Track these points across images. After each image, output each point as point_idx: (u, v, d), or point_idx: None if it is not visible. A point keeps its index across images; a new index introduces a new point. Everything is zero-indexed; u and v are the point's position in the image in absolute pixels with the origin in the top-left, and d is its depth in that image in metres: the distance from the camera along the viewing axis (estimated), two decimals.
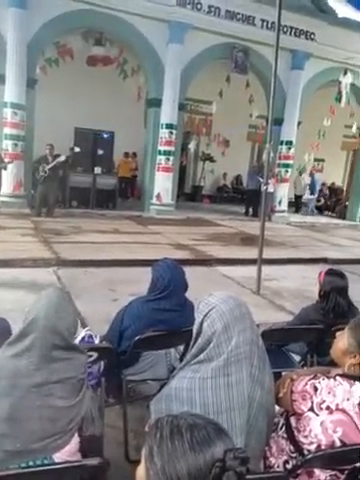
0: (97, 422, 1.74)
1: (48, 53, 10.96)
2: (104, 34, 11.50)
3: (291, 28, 11.91)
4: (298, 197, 15.78)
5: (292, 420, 1.66)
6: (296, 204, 15.73)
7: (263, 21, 11.61)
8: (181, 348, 2.60)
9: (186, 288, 2.61)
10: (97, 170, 11.37)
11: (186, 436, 0.89)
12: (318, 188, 15.96)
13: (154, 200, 11.68)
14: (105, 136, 11.88)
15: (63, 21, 9.90)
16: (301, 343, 2.99)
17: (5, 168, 9.18)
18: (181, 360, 2.37)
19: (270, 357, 1.67)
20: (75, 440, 1.66)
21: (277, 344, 2.92)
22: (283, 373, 2.02)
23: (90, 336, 2.52)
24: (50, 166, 9.65)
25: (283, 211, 13.32)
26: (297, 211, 15.54)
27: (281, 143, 12.88)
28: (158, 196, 11.63)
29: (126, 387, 2.37)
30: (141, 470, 0.94)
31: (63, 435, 1.61)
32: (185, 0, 10.75)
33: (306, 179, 15.52)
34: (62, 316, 1.69)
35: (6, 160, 9.23)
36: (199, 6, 10.96)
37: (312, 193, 15.43)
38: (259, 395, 1.55)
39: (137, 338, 2.31)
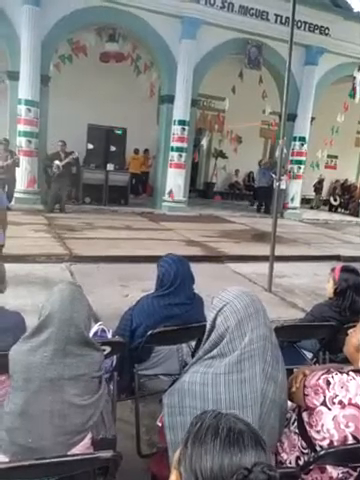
0: (108, 425, 1.74)
1: (62, 50, 11.01)
2: (117, 30, 11.52)
3: (305, 23, 11.79)
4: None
5: (304, 415, 1.66)
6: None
7: (277, 16, 11.50)
8: (193, 343, 2.60)
9: (193, 281, 2.61)
10: (109, 167, 11.41)
11: (221, 435, 0.90)
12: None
13: (166, 197, 11.69)
14: (118, 133, 11.89)
15: (76, 18, 9.93)
16: (313, 340, 2.98)
17: (18, 165, 9.25)
18: (193, 355, 2.38)
19: (282, 354, 1.68)
20: (88, 436, 1.68)
21: (289, 341, 2.92)
22: (295, 370, 2.01)
23: (103, 330, 2.54)
24: (64, 163, 9.72)
25: (295, 208, 13.23)
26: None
27: (294, 139, 12.78)
28: (170, 193, 11.63)
29: (138, 382, 2.39)
30: (177, 453, 0.95)
31: (76, 435, 1.62)
32: None
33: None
34: (77, 309, 1.71)
35: (16, 156, 9.27)
36: (212, 1, 10.90)
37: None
38: (272, 391, 1.56)
39: (149, 333, 2.33)
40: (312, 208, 16.15)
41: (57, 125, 10.47)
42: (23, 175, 9.78)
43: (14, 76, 9.82)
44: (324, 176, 16.76)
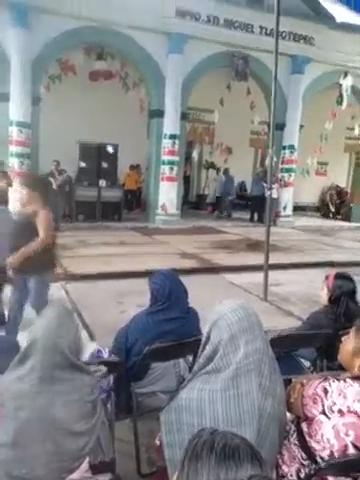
0: (106, 447, 1.72)
1: (51, 70, 11.11)
2: (105, 49, 11.66)
3: (290, 33, 11.99)
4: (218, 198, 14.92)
5: (304, 426, 1.65)
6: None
7: (262, 28, 11.69)
8: (190, 358, 2.59)
9: (187, 294, 2.62)
10: (102, 183, 11.47)
11: (216, 449, 0.91)
12: (233, 187, 14.64)
13: (159, 210, 11.72)
14: (109, 149, 11.96)
15: (65, 38, 10.05)
16: (311, 348, 2.97)
17: (11, 185, 9.25)
18: (190, 371, 2.37)
19: (279, 364, 1.68)
20: (86, 460, 1.65)
21: (286, 350, 2.91)
22: (293, 379, 2.01)
23: (99, 350, 2.53)
24: (58, 183, 9.76)
25: (288, 216, 13.30)
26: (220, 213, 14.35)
27: (284, 148, 12.90)
28: (163, 206, 11.67)
29: (136, 400, 2.37)
30: (175, 474, 0.95)
31: (72, 462, 1.58)
32: (184, 11, 10.88)
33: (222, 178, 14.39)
34: (62, 334, 1.68)
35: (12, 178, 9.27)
36: (198, 16, 11.08)
37: (228, 193, 14.13)
38: (270, 405, 1.55)
39: (146, 349, 2.32)
40: (324, 216, 16.11)
41: (49, 144, 10.51)
42: (16, 195, 9.77)
43: (4, 97, 9.88)
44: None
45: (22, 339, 2.23)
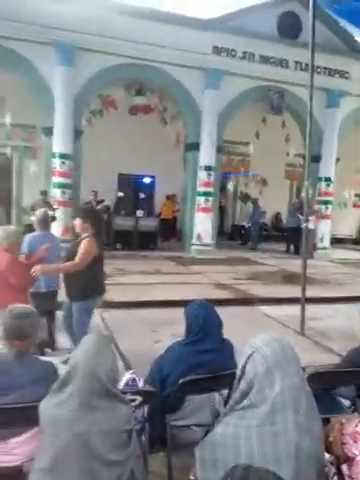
0: None
1: (93, 105, 11.65)
2: (144, 84, 12.15)
3: (325, 68, 12.11)
4: (242, 227, 14.79)
5: (344, 468, 1.60)
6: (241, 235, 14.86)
7: (297, 63, 11.89)
8: (225, 392, 2.56)
9: (221, 325, 2.61)
10: (139, 213, 11.74)
11: None
12: (261, 218, 14.48)
13: (194, 240, 11.80)
14: (146, 180, 12.28)
15: (106, 75, 10.57)
16: (350, 386, 2.87)
17: (54, 219, 9.59)
18: (225, 405, 2.34)
19: (317, 402, 1.64)
20: None
21: (325, 388, 2.82)
22: (332, 419, 1.95)
23: (134, 379, 2.54)
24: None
25: (325, 248, 13.05)
26: (244, 243, 14.47)
27: (320, 180, 12.82)
28: (198, 236, 11.75)
29: (170, 433, 2.35)
30: None
31: None
32: (220, 48, 11.25)
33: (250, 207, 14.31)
34: (99, 361, 1.70)
35: (55, 207, 9.65)
36: (233, 53, 11.41)
37: (256, 224, 13.95)
38: (308, 444, 1.51)
39: (180, 381, 2.31)
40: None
41: (89, 175, 10.91)
42: (58, 224, 10.14)
43: (49, 131, 10.42)
44: None
45: (61, 365, 2.29)
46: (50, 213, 5.79)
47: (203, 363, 2.43)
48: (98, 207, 10.19)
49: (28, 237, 4.42)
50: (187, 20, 10.84)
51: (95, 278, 3.88)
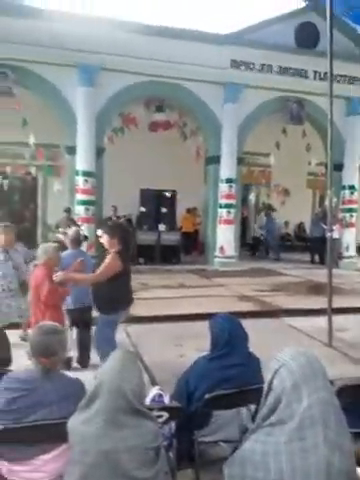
0: None
1: (114, 123, 11.87)
2: (164, 101, 12.32)
3: (344, 76, 12.02)
4: (255, 238, 14.65)
5: None
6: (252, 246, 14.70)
7: (315, 72, 11.86)
8: (252, 407, 2.53)
9: (247, 339, 2.59)
10: (161, 227, 11.82)
11: None
12: (277, 228, 14.25)
13: (217, 252, 11.78)
14: (168, 195, 12.38)
15: (126, 93, 10.79)
16: None
17: (86, 238, 9.72)
18: (253, 420, 2.31)
19: (347, 416, 1.61)
20: None
21: (354, 402, 2.75)
22: None
23: (160, 395, 2.55)
24: None
25: (351, 257, 12.80)
26: (259, 254, 14.35)
27: (343, 188, 12.65)
28: (221, 248, 11.72)
29: (198, 449, 2.33)
30: None
31: None
32: (238, 62, 11.34)
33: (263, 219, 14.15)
34: (125, 377, 1.71)
35: (78, 224, 9.78)
36: (252, 66, 11.47)
37: (270, 235, 13.82)
38: (338, 459, 1.48)
39: (206, 397, 2.30)
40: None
41: (112, 191, 11.07)
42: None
43: (72, 150, 10.67)
44: None
45: (88, 382, 2.31)
46: (82, 233, 6.03)
47: (229, 378, 2.42)
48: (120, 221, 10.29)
49: (61, 255, 4.56)
50: (204, 36, 11.00)
51: (118, 292, 3.91)
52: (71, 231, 5.11)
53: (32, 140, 10.80)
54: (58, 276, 3.75)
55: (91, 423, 1.67)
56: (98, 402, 1.69)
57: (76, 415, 1.76)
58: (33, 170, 12.61)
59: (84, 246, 10.10)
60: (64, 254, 4.61)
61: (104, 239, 4.00)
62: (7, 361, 4.13)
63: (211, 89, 11.32)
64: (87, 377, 2.28)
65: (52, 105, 10.64)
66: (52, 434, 1.98)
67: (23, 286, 4.78)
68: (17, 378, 2.15)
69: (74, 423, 1.74)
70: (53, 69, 10.06)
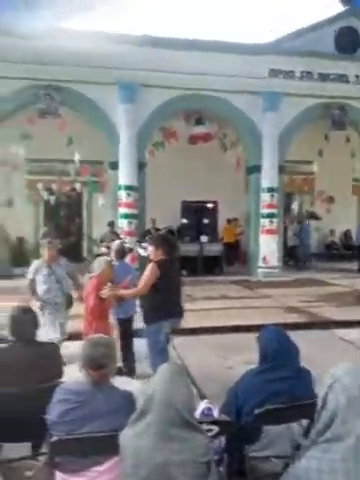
0: None
1: (155, 138, 12.09)
2: (203, 113, 12.42)
3: None
4: (291, 248, 13.87)
5: None
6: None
7: (357, 77, 11.60)
8: (304, 422, 2.46)
9: (298, 352, 2.53)
10: (203, 238, 11.83)
11: None
12: (310, 237, 13.88)
13: (260, 263, 11.62)
14: (209, 206, 12.42)
15: (166, 108, 10.99)
16: None
17: (131, 250, 9.93)
18: (306, 436, 2.25)
19: None
20: None
21: None
22: None
23: (209, 409, 2.53)
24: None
25: None
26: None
27: None
28: (264, 259, 11.56)
29: (249, 464, 2.29)
30: None
31: None
32: (276, 70, 11.28)
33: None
34: (175, 390, 1.71)
35: (122, 237, 9.98)
36: (291, 74, 11.38)
37: (301, 242, 13.40)
38: None
39: (256, 412, 2.26)
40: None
41: (154, 204, 11.24)
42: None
43: (114, 166, 10.96)
44: None
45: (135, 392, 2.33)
46: (126, 245, 6.22)
47: (279, 392, 2.37)
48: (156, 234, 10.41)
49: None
50: (242, 47, 11.04)
51: (161, 303, 3.93)
52: (114, 244, 5.28)
53: (77, 157, 11.19)
54: (104, 292, 3.94)
55: (143, 436, 1.68)
56: (149, 416, 1.70)
57: (128, 428, 1.78)
58: (78, 186, 13.05)
59: (127, 258, 10.36)
60: None
61: (149, 250, 4.11)
62: (59, 376, 4.28)
63: (250, 99, 11.32)
64: (135, 386, 2.31)
65: (95, 123, 11.03)
66: (105, 446, 2.01)
67: (68, 299, 4.96)
68: (69, 389, 2.21)
69: (126, 436, 1.76)
70: (95, 88, 10.43)
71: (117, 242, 5.49)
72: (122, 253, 5.07)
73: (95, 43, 9.97)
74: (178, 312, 4.16)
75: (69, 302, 5.00)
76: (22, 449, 2.75)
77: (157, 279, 3.87)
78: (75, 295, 5.09)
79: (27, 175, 12.69)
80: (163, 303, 3.95)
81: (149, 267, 3.93)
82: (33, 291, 4.81)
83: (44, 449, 2.63)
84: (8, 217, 11.28)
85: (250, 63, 10.98)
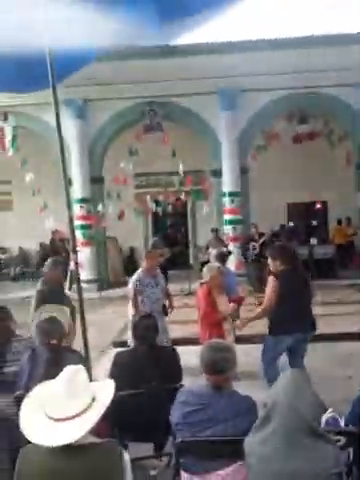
0: None
1: (257, 141, 11.95)
2: (306, 111, 11.94)
3: None
4: None
5: None
6: None
7: None
8: None
9: None
10: (313, 241, 11.34)
11: None
12: None
13: None
14: (317, 206, 11.88)
15: (267, 110, 10.84)
16: None
17: (230, 253, 9.97)
18: None
19: None
20: None
21: None
22: None
23: (334, 418, 2.40)
24: (260, 242, 10.06)
25: None
26: None
27: None
28: None
29: None
30: None
31: None
32: None
33: None
34: (300, 396, 1.67)
35: (226, 243, 10.02)
36: None
37: None
38: None
39: None
40: None
41: (258, 208, 11.12)
42: (232, 259, 10.47)
43: (217, 173, 11.07)
44: None
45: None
46: (226, 249, 6.31)
47: None
48: (261, 239, 10.18)
49: None
50: (343, 38, 10.39)
51: (283, 316, 3.84)
52: (214, 250, 5.59)
53: (181, 168, 11.52)
54: (239, 325, 4.12)
55: (268, 443, 1.66)
56: (273, 422, 1.68)
57: (252, 435, 1.77)
58: (182, 195, 13.41)
59: (232, 264, 10.35)
60: None
61: (270, 262, 4.06)
62: (179, 378, 4.42)
63: (357, 91, 10.59)
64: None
65: (197, 133, 11.28)
66: (228, 450, 2.02)
67: (164, 309, 5.03)
68: (191, 392, 2.26)
69: (251, 443, 1.75)
70: (195, 99, 10.67)
71: (217, 248, 5.71)
72: (222, 257, 5.22)
73: (192, 56, 10.15)
74: (304, 327, 3.95)
75: (166, 311, 5.08)
76: (145, 449, 2.89)
77: (278, 291, 3.80)
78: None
79: (135, 189, 13.42)
80: (286, 317, 3.82)
81: (268, 281, 3.90)
82: (134, 302, 4.86)
83: (167, 450, 2.73)
84: (120, 230, 12.03)
85: (354, 54, 10.24)
